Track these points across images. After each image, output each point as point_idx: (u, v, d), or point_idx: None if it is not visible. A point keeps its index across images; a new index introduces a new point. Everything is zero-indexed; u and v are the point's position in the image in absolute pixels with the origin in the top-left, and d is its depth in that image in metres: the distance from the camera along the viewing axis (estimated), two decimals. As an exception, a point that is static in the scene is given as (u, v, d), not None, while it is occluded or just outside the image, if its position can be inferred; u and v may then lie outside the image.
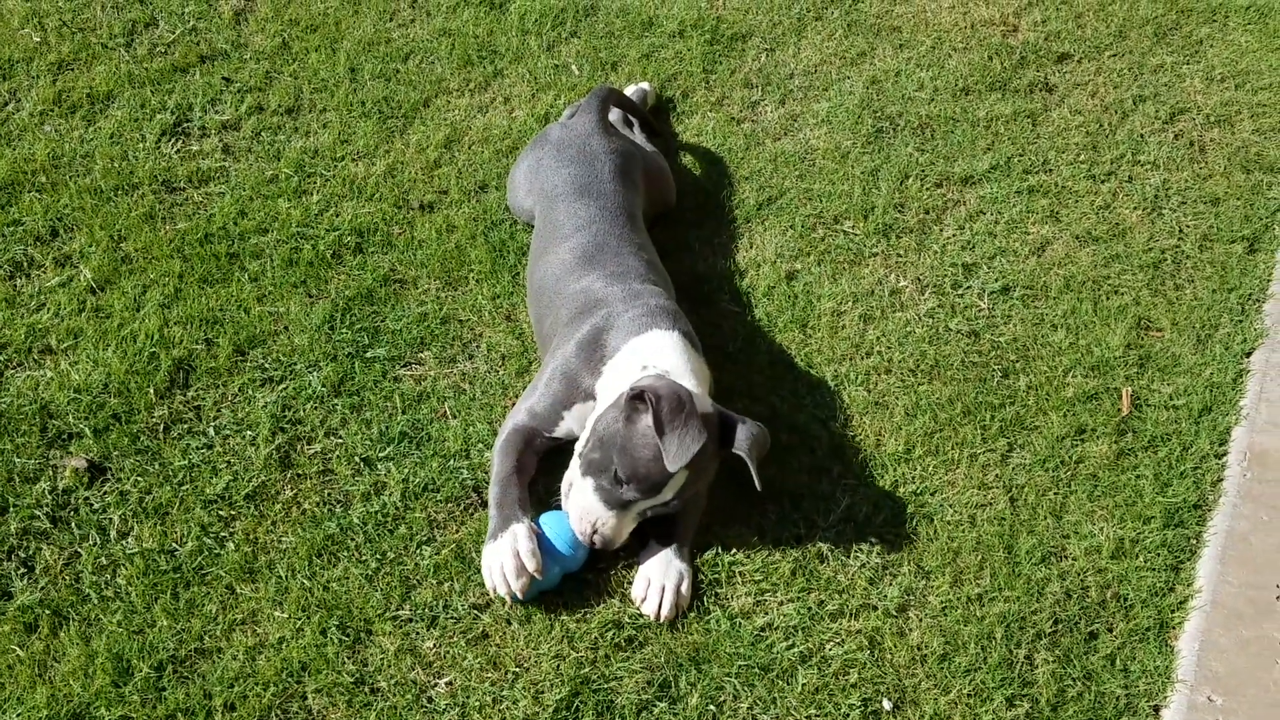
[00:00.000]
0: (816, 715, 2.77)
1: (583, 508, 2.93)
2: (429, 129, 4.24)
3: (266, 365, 3.39)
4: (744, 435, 2.94)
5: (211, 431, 3.21)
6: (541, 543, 2.92)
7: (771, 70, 4.72)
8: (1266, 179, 4.39)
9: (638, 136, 4.14)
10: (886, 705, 2.80)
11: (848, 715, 2.77)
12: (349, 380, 3.38)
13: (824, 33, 4.93)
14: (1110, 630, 3.00)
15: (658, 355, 3.04)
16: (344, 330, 3.51)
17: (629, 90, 4.39)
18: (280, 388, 3.33)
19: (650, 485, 2.86)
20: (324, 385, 3.35)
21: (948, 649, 2.91)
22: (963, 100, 4.64)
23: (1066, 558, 3.14)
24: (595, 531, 2.91)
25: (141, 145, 4.03)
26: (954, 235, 4.04)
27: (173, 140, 4.08)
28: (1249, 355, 3.72)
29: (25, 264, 3.59)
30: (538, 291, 3.42)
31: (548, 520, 2.99)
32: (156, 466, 3.11)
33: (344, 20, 4.70)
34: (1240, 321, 3.81)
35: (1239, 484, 3.34)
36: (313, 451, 3.20)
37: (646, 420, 2.85)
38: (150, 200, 3.83)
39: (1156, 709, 2.86)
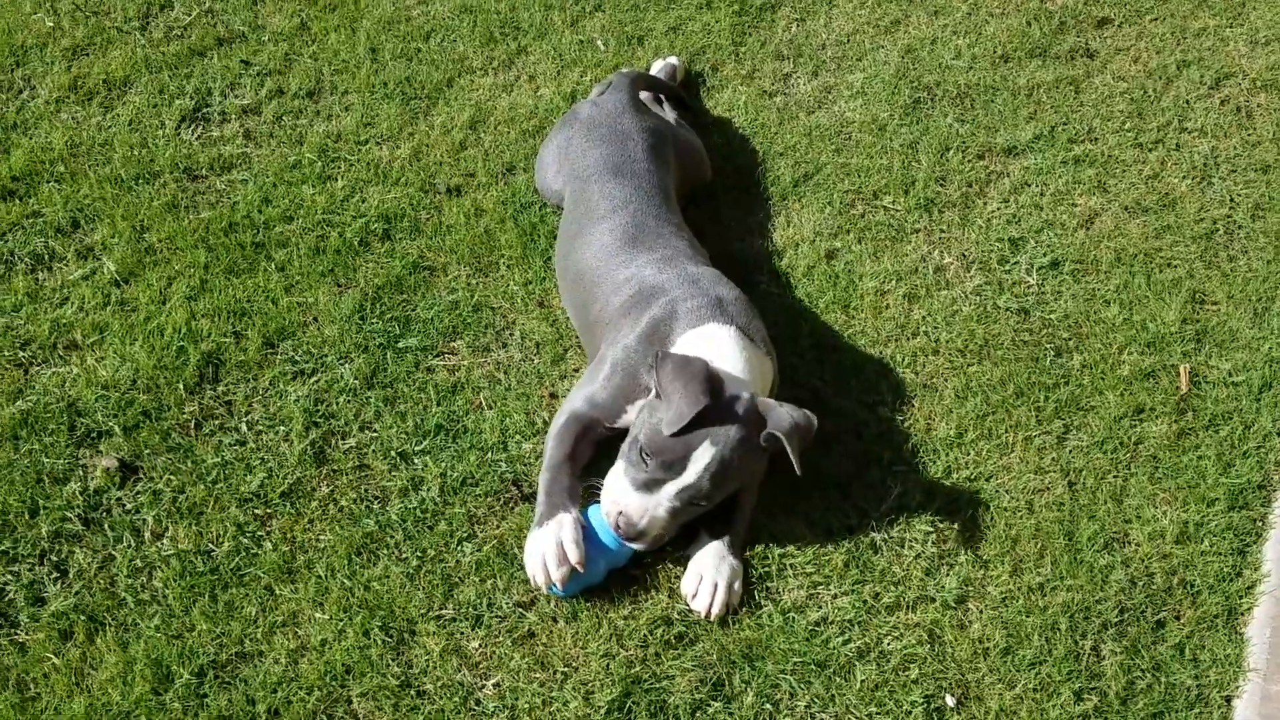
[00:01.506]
0: (877, 713, 2.67)
1: (610, 493, 2.84)
2: (453, 110, 4.13)
3: (297, 357, 3.30)
4: (783, 415, 2.80)
5: (244, 427, 3.11)
6: (587, 534, 2.82)
7: (803, 41, 4.59)
8: (1317, 142, 4.25)
9: (668, 113, 4.02)
10: (950, 701, 2.70)
11: (910, 712, 2.67)
12: (381, 372, 3.28)
13: (856, 0, 4.79)
14: (1178, 618, 2.89)
15: (710, 350, 2.92)
16: (374, 320, 3.41)
17: (656, 65, 4.27)
18: (312, 380, 3.24)
19: (671, 460, 2.73)
20: (356, 377, 3.25)
21: (1011, 641, 2.81)
22: (1002, 68, 4.51)
23: (1129, 543, 3.03)
24: (620, 514, 2.78)
25: (161, 132, 3.93)
26: (998, 209, 3.92)
27: (192, 126, 3.98)
28: (1308, 328, 3.60)
29: (46, 257, 3.50)
30: (576, 276, 3.31)
31: (596, 512, 2.89)
32: (189, 464, 3.02)
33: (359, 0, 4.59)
34: (1262, 276, 3.71)
35: (1304, 462, 3.22)
36: (347, 446, 3.11)
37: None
38: (172, 189, 3.73)
39: (1229, 699, 2.76)
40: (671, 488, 2.76)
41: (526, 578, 2.81)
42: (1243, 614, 2.91)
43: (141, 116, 3.98)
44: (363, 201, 3.76)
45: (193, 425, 3.11)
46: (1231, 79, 4.53)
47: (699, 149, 3.84)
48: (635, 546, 2.83)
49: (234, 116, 4.03)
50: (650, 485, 2.77)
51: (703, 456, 2.73)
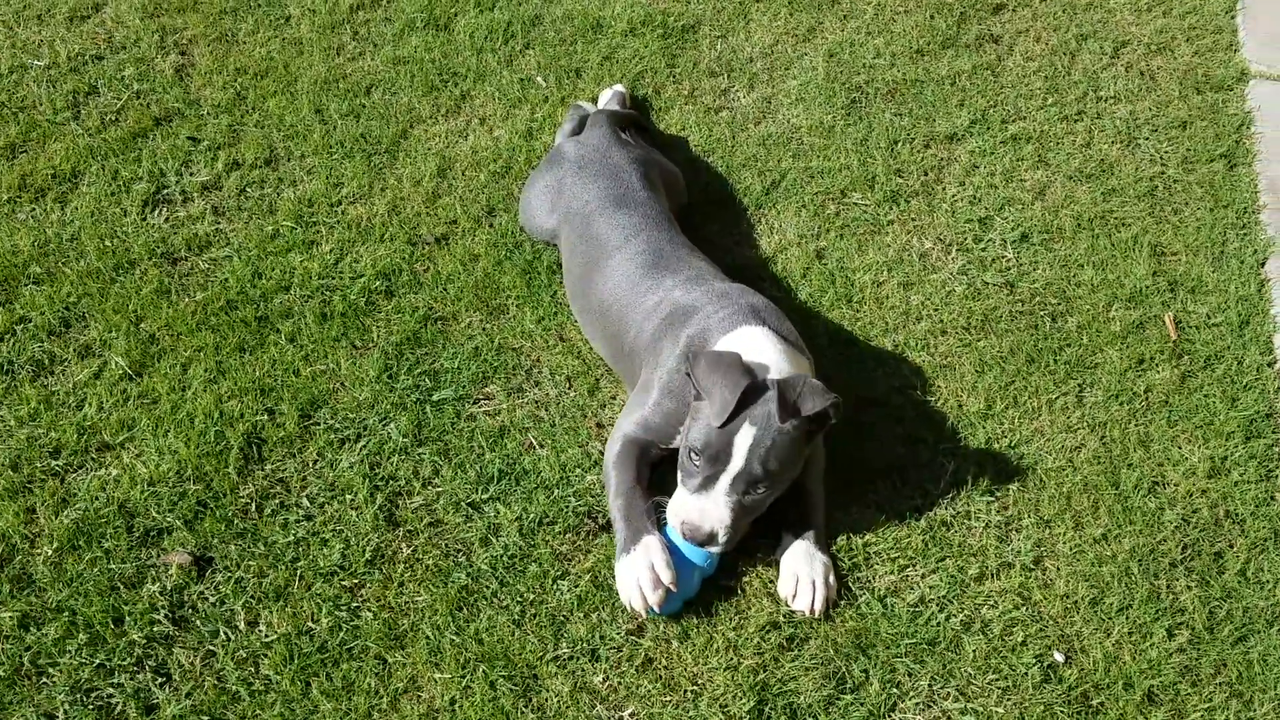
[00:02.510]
0: (996, 679, 2.79)
1: (672, 506, 2.91)
2: (417, 161, 4.11)
3: (337, 425, 3.25)
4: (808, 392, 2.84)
5: (306, 502, 3.06)
6: (673, 551, 2.87)
7: (730, 56, 4.72)
8: (1219, 97, 4.59)
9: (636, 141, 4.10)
10: (1059, 657, 2.84)
11: (1026, 673, 2.80)
12: (425, 427, 3.26)
13: (769, 13, 4.95)
14: (1232, 547, 3.10)
15: (753, 349, 2.98)
16: (404, 377, 3.38)
17: (604, 95, 4.34)
18: (360, 446, 3.20)
19: (716, 452, 2.78)
20: (404, 436, 3.22)
21: (1094, 593, 2.96)
22: (921, 61, 4.72)
23: (1168, 484, 3.23)
24: (683, 522, 2.83)
25: (126, 219, 3.81)
26: (958, 192, 4.12)
27: (157, 209, 3.87)
28: (1263, 265, 3.88)
29: (47, 361, 3.36)
30: (600, 309, 3.35)
31: (672, 531, 2.94)
32: (262, 548, 2.95)
33: (290, 62, 4.52)
34: (1245, 235, 3.98)
35: (1299, 388, 3.48)
36: (415, 505, 3.08)
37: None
38: (156, 275, 3.63)
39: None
40: (724, 480, 2.81)
41: (621, 597, 2.84)
42: (1286, 532, 3.14)
43: (102, 206, 3.85)
44: (355, 262, 3.72)
45: (253, 508, 3.04)
46: (1127, 46, 4.84)
47: (677, 173, 3.93)
48: (714, 550, 2.87)
49: (196, 194, 3.94)
50: (705, 485, 2.83)
51: (744, 439, 2.78)
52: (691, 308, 3.17)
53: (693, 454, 2.82)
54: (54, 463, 3.11)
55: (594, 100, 4.40)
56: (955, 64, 4.70)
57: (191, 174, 4.01)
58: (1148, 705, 2.75)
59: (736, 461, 2.78)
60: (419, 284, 3.67)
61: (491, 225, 3.89)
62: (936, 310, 3.68)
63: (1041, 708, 2.73)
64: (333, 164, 4.08)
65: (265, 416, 3.26)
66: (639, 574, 2.81)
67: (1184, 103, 4.56)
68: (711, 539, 2.84)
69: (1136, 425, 3.37)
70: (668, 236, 3.45)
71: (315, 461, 3.17)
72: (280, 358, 3.42)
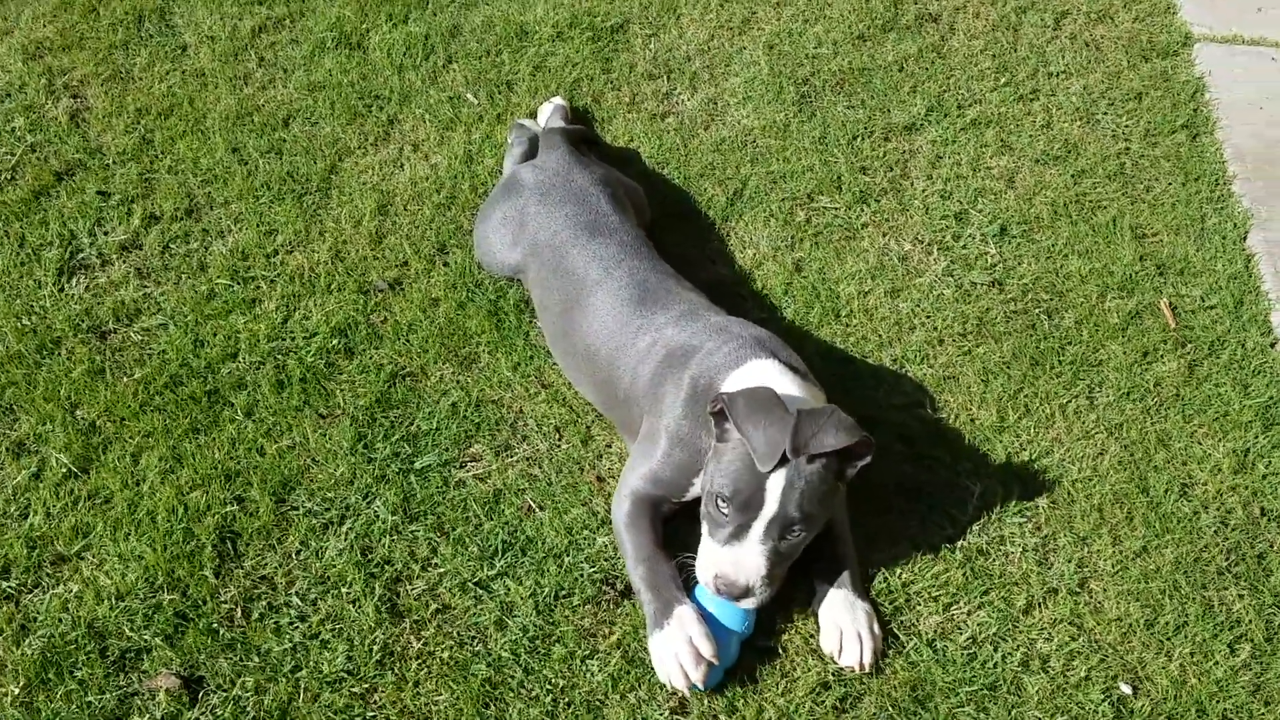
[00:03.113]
0: (1063, 717, 2.64)
1: (702, 561, 2.67)
2: (353, 198, 3.79)
3: (316, 508, 2.95)
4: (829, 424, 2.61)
5: (297, 600, 2.76)
6: (708, 620, 2.65)
7: (666, 56, 4.48)
8: (1167, 64, 4.50)
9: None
10: (1126, 689, 2.69)
11: (1097, 710, 2.65)
12: (413, 500, 2.98)
13: (699, 6, 4.72)
14: (1272, 547, 2.99)
15: (765, 383, 2.74)
16: (380, 445, 3.10)
17: (544, 111, 4.07)
18: (345, 529, 2.91)
19: (748, 498, 2.56)
20: (392, 513, 2.94)
21: (1148, 612, 2.83)
22: (864, 47, 4.54)
23: (1197, 485, 3.11)
24: (718, 577, 2.61)
25: (42, 292, 3.44)
26: (927, 186, 3.95)
27: (74, 278, 3.50)
28: (1245, 239, 3.79)
29: (-25, 466, 3.00)
30: (587, 353, 3.10)
31: (704, 591, 2.72)
32: (255, 659, 2.65)
33: (195, 97, 4.15)
34: (1222, 209, 3.88)
35: (1306, 368, 3.39)
36: (418, 591, 2.81)
37: (732, 431, 2.61)
38: (85, 353, 3.27)
39: (1353, 610, 2.87)
40: (758, 528, 2.58)
41: (660, 677, 2.62)
42: (1322, 525, 3.04)
43: (12, 279, 3.47)
44: (305, 319, 3.41)
45: (239, 613, 2.73)
46: (1068, 16, 4.73)
47: (639, 190, 3.68)
48: (749, 605, 2.65)
49: (115, 256, 3.57)
50: (737, 534, 2.60)
51: (776, 482, 2.56)
52: (690, 347, 2.93)
53: (720, 501, 2.59)
54: (4, 584, 2.76)
55: (533, 115, 4.12)
56: (900, 48, 4.52)
57: (106, 233, 3.63)
58: (1227, 732, 2.62)
59: (770, 506, 2.56)
60: (379, 337, 3.37)
61: (446, 264, 3.60)
62: (929, 317, 3.51)
63: (1121, 749, 2.58)
64: (261, 209, 3.74)
65: (235, 506, 2.94)
66: (677, 650, 2.58)
67: (1134, 72, 4.45)
68: (747, 593, 2.62)
69: (1153, 424, 3.24)
70: (650, 265, 3.21)
71: (299, 552, 2.87)
72: (240, 436, 3.10)
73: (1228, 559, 2.94)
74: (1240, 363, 3.40)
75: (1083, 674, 2.71)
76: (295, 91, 4.20)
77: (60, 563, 2.81)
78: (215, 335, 3.35)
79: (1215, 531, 3.00)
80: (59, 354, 3.28)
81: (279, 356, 3.30)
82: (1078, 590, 2.87)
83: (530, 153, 3.76)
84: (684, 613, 2.62)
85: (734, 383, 2.78)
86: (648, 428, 2.93)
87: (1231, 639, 2.78)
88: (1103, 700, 2.66)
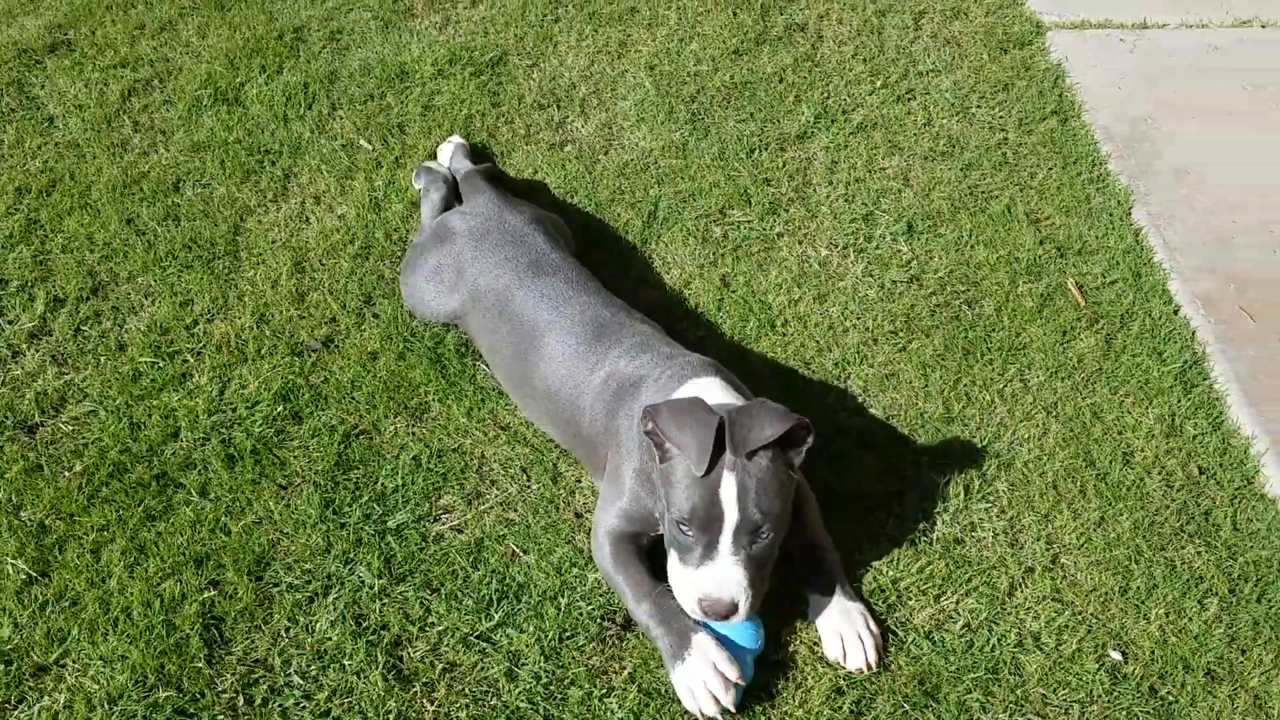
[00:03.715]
0: (1069, 694, 2.76)
1: (680, 589, 2.66)
2: (265, 258, 3.69)
3: (296, 581, 2.87)
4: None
5: (298, 679, 2.68)
6: (724, 643, 2.68)
7: (551, 85, 4.49)
8: (1024, 54, 4.73)
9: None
10: (1116, 656, 2.83)
11: (1094, 679, 2.77)
12: (395, 560, 2.93)
13: (572, 33, 4.74)
14: (1216, 502, 3.18)
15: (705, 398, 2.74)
16: (349, 509, 3.03)
17: (443, 150, 4.03)
18: (332, 599, 2.84)
19: (706, 513, 2.56)
20: (377, 577, 2.88)
21: (1120, 580, 2.98)
22: (742, 61, 4.64)
23: (1136, 451, 3.29)
24: (701, 600, 2.60)
25: (-49, 390, 3.24)
26: (830, 191, 4.06)
27: (-17, 371, 3.31)
28: (1130, 214, 4.02)
29: (-78, 585, 2.81)
30: (548, 394, 3.09)
31: (710, 619, 2.75)
32: (268, 748, 2.56)
33: (74, 170, 3.97)
34: (1104, 189, 4.11)
35: (1210, 330, 3.61)
36: (421, 653, 2.76)
37: (671, 448, 2.62)
38: (16, 450, 3.10)
39: (1299, 552, 3.08)
40: (725, 540, 2.58)
41: (688, 709, 2.63)
42: (1255, 475, 3.24)
43: (-84, 381, 3.26)
44: (242, 388, 3.30)
45: (241, 701, 2.64)
46: (925, 15, 4.92)
47: (563, 223, 3.68)
48: (739, 619, 2.62)
49: (26, 346, 3.39)
50: (707, 553, 2.60)
51: (729, 490, 2.56)
52: (639, 378, 2.95)
53: (681, 526, 2.60)
54: (-19, 707, 2.60)
55: (433, 156, 4.08)
56: (776, 59, 4.64)
57: (10, 322, 3.45)
58: (1212, 683, 2.79)
59: (731, 515, 2.56)
60: (323, 399, 3.29)
61: (376, 316, 3.54)
62: (859, 319, 3.61)
63: (1126, 713, 2.71)
64: (171, 280, 3.60)
65: (212, 591, 2.84)
66: (705, 678, 2.60)
67: (996, 64, 4.66)
68: (733, 609, 2.61)
69: (1084, 399, 3.41)
70: (600, 299, 3.22)
71: (288, 629, 2.78)
72: (200, 517, 2.99)
73: (1179, 519, 3.12)
74: (1151, 332, 3.60)
75: (1074, 646, 2.83)
76: (179, 154, 4.06)
77: (41, 673, 2.66)
78: (150, 416, 3.22)
79: (1162, 494, 3.17)
80: (-14, 454, 3.10)
81: (223, 430, 3.19)
82: (1051, 566, 3.00)
83: (449, 196, 3.72)
84: (702, 640, 2.64)
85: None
86: (612, 465, 2.94)
87: (1200, 595, 2.95)
88: (1098, 669, 2.79)
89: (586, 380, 3.03)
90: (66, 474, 3.06)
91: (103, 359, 3.36)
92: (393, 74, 4.45)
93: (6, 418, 3.18)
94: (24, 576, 2.83)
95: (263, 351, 3.41)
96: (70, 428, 3.19)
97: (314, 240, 3.77)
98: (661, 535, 2.86)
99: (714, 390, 2.82)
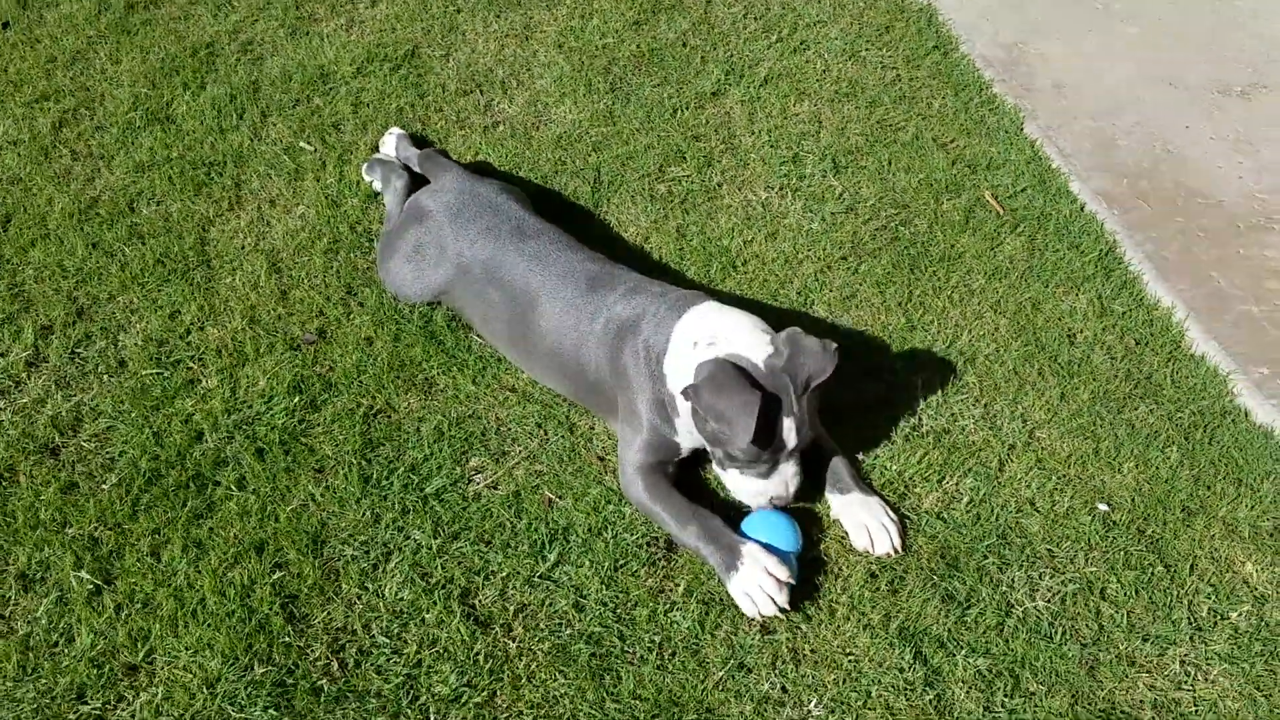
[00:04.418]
0: (1073, 545, 3.11)
1: (746, 490, 3.03)
2: (239, 264, 3.79)
3: (357, 554, 3.02)
4: (802, 340, 2.96)
5: (384, 639, 2.84)
6: (771, 549, 2.94)
7: (469, 71, 4.66)
8: (898, -1, 5.10)
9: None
10: (1104, 507, 3.20)
11: (1090, 528, 3.13)
12: (443, 522, 3.10)
13: (477, 20, 4.92)
14: (1153, 366, 3.58)
15: (701, 328, 3.01)
16: (387, 481, 3.19)
17: (386, 143, 4.17)
18: (393, 565, 2.99)
19: (774, 445, 2.91)
20: (432, 538, 3.05)
21: (1090, 443, 3.35)
22: (644, 30, 4.89)
23: (1078, 333, 3.67)
24: (771, 499, 3.00)
25: (-38, 425, 3.28)
26: (755, 141, 4.35)
27: (-12, 403, 3.35)
28: (1023, 129, 4.41)
29: (-9, 608, 2.88)
30: (551, 351, 3.28)
31: (750, 526, 3.01)
32: (373, 702, 2.72)
33: (25, 203, 3.97)
34: (995, 110, 4.50)
35: (1115, 221, 4.03)
36: (490, 599, 2.94)
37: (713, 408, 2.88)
38: (45, 473, 3.15)
39: (1234, 397, 3.50)
40: (786, 453, 2.95)
41: (748, 615, 2.89)
42: (1183, 339, 3.65)
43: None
44: (252, 386, 3.41)
45: (335, 666, 2.78)
46: (801, -27, 5.25)
47: (523, 194, 3.87)
48: (788, 504, 3.04)
49: (26, 376, 3.42)
50: (773, 465, 2.97)
51: (789, 427, 2.90)
52: (636, 316, 3.16)
53: (742, 459, 2.93)
54: (86, 709, 2.69)
55: (375, 150, 4.22)
56: (675, 25, 4.90)
57: (3, 354, 3.48)
58: (1190, 518, 3.17)
59: (790, 439, 2.92)
60: (334, 386, 3.43)
61: (361, 304, 3.68)
62: (810, 250, 3.90)
63: (1123, 553, 3.07)
64: (152, 295, 3.67)
65: (279, 572, 2.97)
66: (760, 583, 2.86)
67: (874, 10, 5.03)
68: (788, 499, 3.02)
69: (1023, 295, 3.78)
70: (585, 255, 3.42)
71: (360, 595, 2.94)
72: (246, 509, 3.11)
73: (1128, 385, 3.51)
74: (1066, 229, 4.00)
75: (1066, 505, 3.19)
76: (125, 176, 4.10)
77: (133, 672, 2.76)
78: (170, 423, 3.31)
79: (1109, 366, 3.56)
80: (18, 481, 3.15)
81: (246, 427, 3.31)
82: (1030, 441, 3.35)
83: (411, 182, 3.87)
84: (752, 549, 2.90)
85: (678, 334, 3.03)
86: (625, 403, 3.17)
87: (1161, 445, 3.34)
88: (1091, 520, 3.15)
89: (588, 329, 3.23)
90: (104, 488, 3.14)
91: (106, 377, 3.43)
92: (314, 77, 4.55)
93: (27, 444, 3.23)
94: (90, 587, 2.91)
95: (261, 350, 3.52)
96: (93, 444, 3.26)
97: (281, 241, 3.88)
98: (684, 459, 3.12)
99: (714, 315, 3.05)
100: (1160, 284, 3.81)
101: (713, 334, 2.98)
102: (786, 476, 2.98)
